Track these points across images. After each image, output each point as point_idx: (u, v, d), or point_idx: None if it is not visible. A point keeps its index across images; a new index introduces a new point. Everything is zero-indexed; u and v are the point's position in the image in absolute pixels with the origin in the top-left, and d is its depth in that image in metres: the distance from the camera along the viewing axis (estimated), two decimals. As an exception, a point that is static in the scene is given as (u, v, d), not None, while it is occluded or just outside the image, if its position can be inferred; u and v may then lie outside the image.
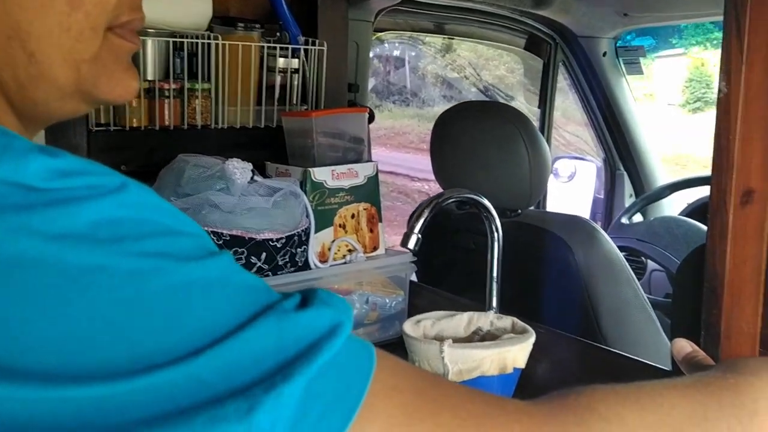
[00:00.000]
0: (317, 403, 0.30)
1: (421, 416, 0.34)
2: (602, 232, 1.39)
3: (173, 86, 1.32)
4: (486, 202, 1.11)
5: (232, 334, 0.29)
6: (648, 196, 2.15)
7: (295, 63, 1.39)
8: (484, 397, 0.38)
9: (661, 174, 2.30)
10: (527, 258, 1.39)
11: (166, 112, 1.32)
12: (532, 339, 0.71)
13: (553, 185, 2.56)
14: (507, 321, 0.77)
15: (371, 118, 1.52)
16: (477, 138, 1.35)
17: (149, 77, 1.32)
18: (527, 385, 1.19)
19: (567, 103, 3.00)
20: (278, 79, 1.39)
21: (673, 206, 2.20)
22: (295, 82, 1.41)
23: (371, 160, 1.39)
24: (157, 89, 1.31)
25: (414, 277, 1.44)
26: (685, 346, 0.71)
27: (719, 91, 0.79)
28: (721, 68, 0.79)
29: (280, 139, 1.37)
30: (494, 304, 1.14)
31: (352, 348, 0.33)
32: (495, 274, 1.14)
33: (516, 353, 0.68)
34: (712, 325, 0.82)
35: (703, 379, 0.54)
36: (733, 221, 0.80)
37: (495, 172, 1.34)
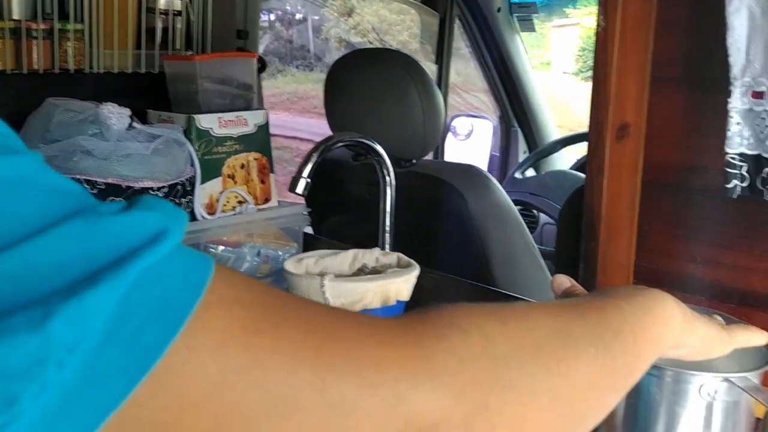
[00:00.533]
0: (136, 313, 0.27)
1: (260, 328, 0.31)
2: (494, 180, 1.41)
3: (42, 26, 1.22)
4: (378, 147, 1.09)
5: (28, 239, 0.25)
6: (540, 151, 2.21)
7: (177, 4, 1.31)
8: (336, 311, 0.36)
9: (553, 130, 2.37)
10: (422, 207, 1.40)
11: (35, 55, 1.22)
12: (416, 272, 0.71)
13: (451, 143, 2.58)
14: (392, 257, 0.76)
15: (262, 67, 1.47)
16: (368, 84, 1.33)
17: (15, 16, 1.22)
18: None
19: (469, 70, 3.03)
20: (159, 21, 1.30)
21: (564, 161, 2.27)
22: (179, 25, 1.33)
23: (262, 108, 1.34)
24: (24, 29, 1.21)
25: (310, 231, 1.41)
26: (564, 281, 0.72)
27: (597, 26, 0.80)
28: (599, 3, 0.80)
29: (164, 86, 1.30)
30: (387, 249, 1.13)
31: (183, 257, 0.30)
32: (387, 222, 1.13)
33: (399, 285, 0.67)
34: (589, 259, 0.84)
35: (572, 301, 0.54)
36: (609, 155, 0.81)
37: (387, 119, 1.33)
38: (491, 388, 0.36)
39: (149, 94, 1.31)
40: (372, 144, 1.08)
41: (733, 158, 0.69)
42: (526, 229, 1.44)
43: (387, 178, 1.11)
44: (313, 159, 0.99)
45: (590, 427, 0.42)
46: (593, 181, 0.83)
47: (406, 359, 0.34)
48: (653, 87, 0.82)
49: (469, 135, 2.54)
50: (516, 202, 1.89)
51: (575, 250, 0.89)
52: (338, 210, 1.52)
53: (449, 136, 2.59)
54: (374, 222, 1.19)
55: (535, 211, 2.12)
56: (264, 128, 1.32)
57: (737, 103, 0.69)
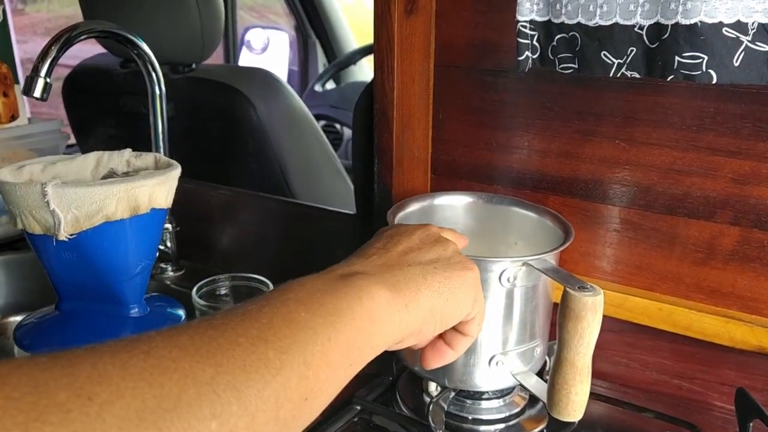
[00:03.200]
0: None
1: None
2: (286, 85, 1.29)
3: None
4: (141, 43, 0.92)
5: None
6: (339, 62, 2.11)
7: None
8: None
9: (352, 40, 2.27)
10: (209, 117, 1.24)
11: None
12: (176, 172, 0.58)
13: (246, 58, 2.40)
14: (148, 158, 0.62)
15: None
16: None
17: None
18: (217, 250, 1.08)
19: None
20: None
21: (364, 72, 2.20)
22: None
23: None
24: None
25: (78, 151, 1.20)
26: None
27: None
28: None
29: None
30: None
31: None
32: (161, 136, 0.97)
33: (152, 190, 0.54)
34: (384, 151, 0.76)
35: (210, 323, 0.34)
36: (398, 32, 0.73)
37: (156, 16, 1.14)
38: None
39: None
40: (133, 38, 0.90)
41: (524, 26, 0.63)
42: (325, 140, 1.35)
43: (156, 83, 0.94)
44: (52, 54, 0.80)
45: None
46: (383, 63, 0.74)
47: None
48: (442, -43, 0.74)
49: (264, 48, 2.37)
50: (317, 117, 1.79)
51: (371, 145, 0.81)
52: (111, 126, 1.32)
53: (244, 50, 2.41)
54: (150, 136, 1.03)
55: (338, 126, 2.03)
56: (2, 26, 1.07)
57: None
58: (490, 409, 0.67)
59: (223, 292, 0.77)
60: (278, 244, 1.02)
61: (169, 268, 1.05)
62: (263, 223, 1.03)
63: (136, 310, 0.61)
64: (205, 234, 1.07)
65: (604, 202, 0.72)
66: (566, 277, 0.56)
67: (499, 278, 0.59)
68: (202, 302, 0.71)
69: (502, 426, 0.66)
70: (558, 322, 0.54)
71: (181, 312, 0.69)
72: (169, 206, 0.58)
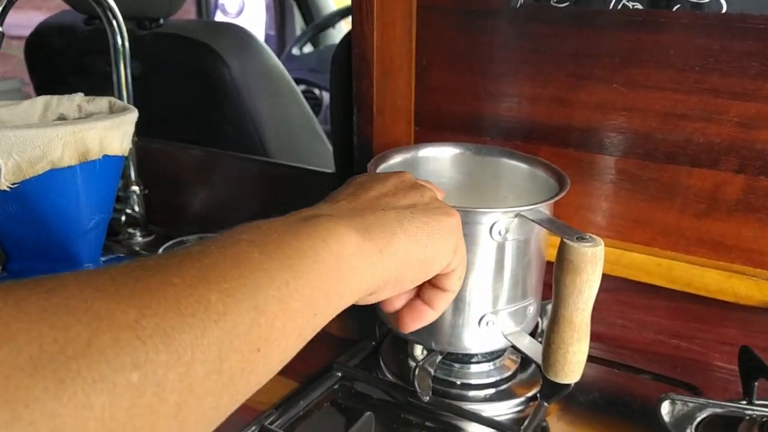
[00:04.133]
0: None
1: None
2: (261, 42, 1.23)
3: None
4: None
5: None
6: (318, 24, 2.03)
7: None
8: None
9: (330, 1, 2.20)
10: (177, 75, 1.18)
11: None
12: (131, 116, 0.52)
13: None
14: (102, 102, 0.56)
15: None
16: None
17: None
18: (190, 214, 1.02)
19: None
20: None
21: (344, 34, 2.13)
22: None
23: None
24: None
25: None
26: None
27: None
28: None
29: None
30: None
31: None
32: (125, 94, 0.90)
33: (104, 134, 0.48)
34: (364, 99, 0.71)
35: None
36: (378, -31, 0.67)
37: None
38: None
39: None
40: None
41: (516, -44, 0.58)
42: (304, 101, 1.29)
43: (118, 36, 0.87)
44: (3, 3, 0.73)
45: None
46: (361, 3, 0.68)
47: None
48: None
49: (240, 12, 2.29)
50: (295, 81, 1.72)
51: (350, 99, 0.75)
52: (74, 87, 1.24)
53: (218, 14, 2.32)
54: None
55: (317, 91, 1.97)
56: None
57: None
58: (479, 373, 0.63)
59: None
60: (254, 206, 0.96)
61: (138, 234, 0.99)
62: (238, 185, 0.97)
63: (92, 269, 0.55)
64: (177, 198, 1.02)
65: (600, 151, 0.67)
66: (563, 227, 0.51)
67: (490, 231, 0.54)
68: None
69: (492, 391, 0.62)
70: (555, 276, 0.50)
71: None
72: (125, 154, 0.52)
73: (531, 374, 0.64)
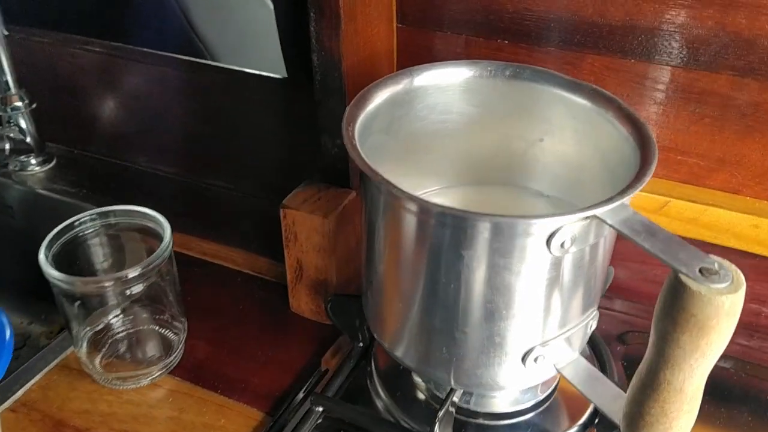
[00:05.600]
0: None
1: None
2: None
3: None
4: None
5: None
6: None
7: None
8: None
9: None
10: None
11: None
12: None
13: None
14: None
15: None
16: None
17: None
18: (98, 132, 0.79)
19: None
20: None
21: None
22: None
23: None
24: None
25: None
26: None
27: None
28: None
29: None
30: None
31: None
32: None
33: None
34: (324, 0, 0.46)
35: None
36: None
37: None
38: None
39: None
40: None
41: None
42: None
43: None
44: None
45: None
46: None
47: None
48: None
49: None
50: None
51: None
52: None
53: None
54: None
55: None
56: None
57: None
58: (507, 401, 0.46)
59: (92, 242, 0.50)
60: (182, 121, 0.73)
61: (32, 160, 0.76)
62: (159, 92, 0.73)
63: None
64: (77, 110, 0.77)
65: (675, 63, 0.46)
66: (675, 247, 0.31)
67: (547, 243, 0.34)
68: (57, 274, 0.44)
69: (526, 418, 0.46)
70: (659, 328, 0.31)
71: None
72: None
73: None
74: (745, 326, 0.54)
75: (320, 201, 0.52)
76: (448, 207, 0.34)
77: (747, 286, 0.50)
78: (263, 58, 0.73)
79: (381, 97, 0.43)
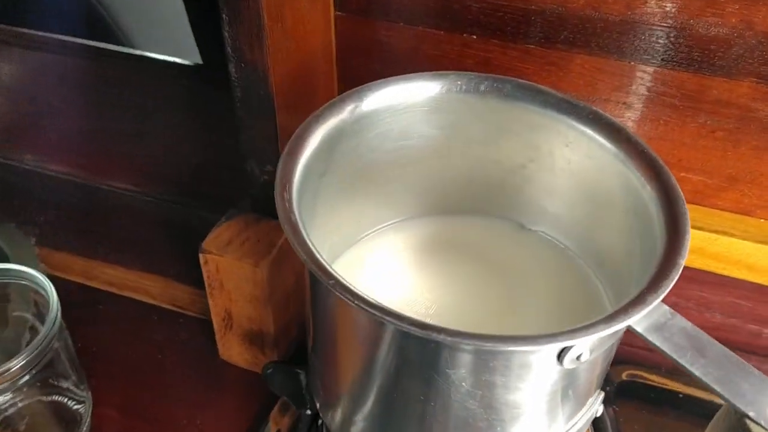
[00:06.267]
0: None
1: None
2: None
3: None
4: None
5: None
6: None
7: None
8: None
9: None
10: None
11: None
12: None
13: None
14: None
15: None
16: None
17: None
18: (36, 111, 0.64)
19: None
20: None
21: None
22: None
23: None
24: None
25: None
26: None
27: None
28: None
29: None
30: None
31: None
32: None
33: None
34: (236, -7, 0.34)
35: None
36: None
37: None
38: None
39: None
40: None
41: None
42: None
43: None
44: None
45: None
46: None
47: None
48: None
49: None
50: None
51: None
52: None
53: None
54: None
55: None
56: None
57: None
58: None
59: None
60: (79, 117, 0.60)
61: None
62: (49, 84, 0.59)
63: None
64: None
65: (682, 67, 0.37)
66: (735, 374, 0.23)
67: (559, 358, 0.26)
68: None
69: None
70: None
71: None
72: None
73: None
74: (741, 346, 0.48)
75: (249, 242, 0.41)
76: (426, 327, 0.25)
77: (743, 308, 0.42)
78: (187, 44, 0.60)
79: (321, 132, 0.32)
